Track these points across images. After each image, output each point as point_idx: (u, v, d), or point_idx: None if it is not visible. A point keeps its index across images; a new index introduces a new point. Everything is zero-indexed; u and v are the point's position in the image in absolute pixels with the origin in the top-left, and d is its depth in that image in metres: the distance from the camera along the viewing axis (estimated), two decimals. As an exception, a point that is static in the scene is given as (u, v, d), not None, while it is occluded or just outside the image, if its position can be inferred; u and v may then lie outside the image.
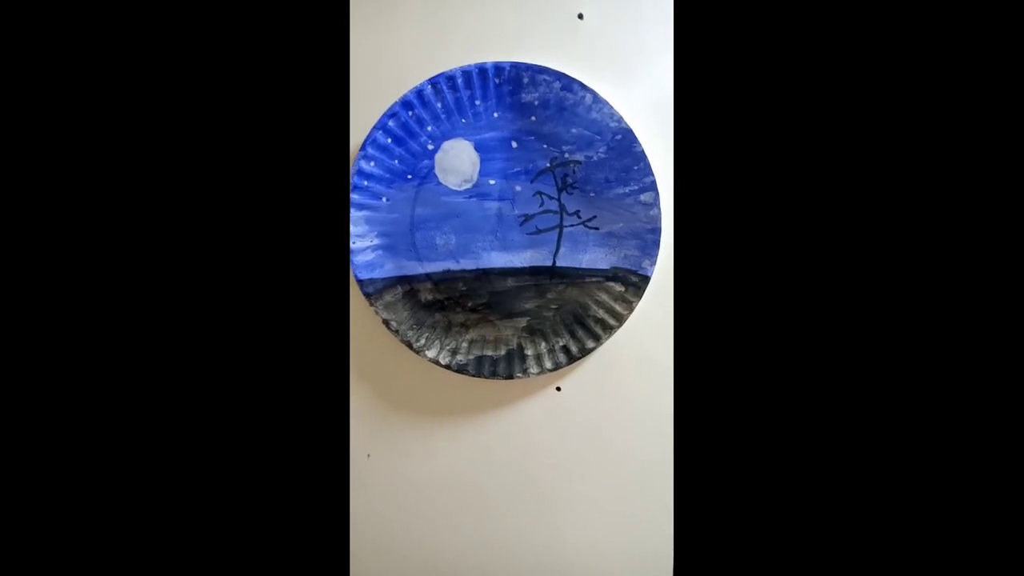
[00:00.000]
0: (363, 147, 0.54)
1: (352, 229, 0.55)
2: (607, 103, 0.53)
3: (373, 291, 0.56)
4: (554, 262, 0.56)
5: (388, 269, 0.56)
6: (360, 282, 0.55)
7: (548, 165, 0.55)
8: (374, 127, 0.54)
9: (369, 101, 0.55)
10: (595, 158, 0.55)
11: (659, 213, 0.54)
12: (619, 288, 0.55)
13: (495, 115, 0.55)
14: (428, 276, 0.57)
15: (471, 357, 0.56)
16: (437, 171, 0.56)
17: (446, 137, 0.55)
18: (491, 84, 0.54)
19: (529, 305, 0.57)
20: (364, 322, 0.58)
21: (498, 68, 0.53)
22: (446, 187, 0.56)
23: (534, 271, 0.56)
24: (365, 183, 0.55)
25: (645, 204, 0.54)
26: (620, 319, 0.55)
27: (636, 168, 0.54)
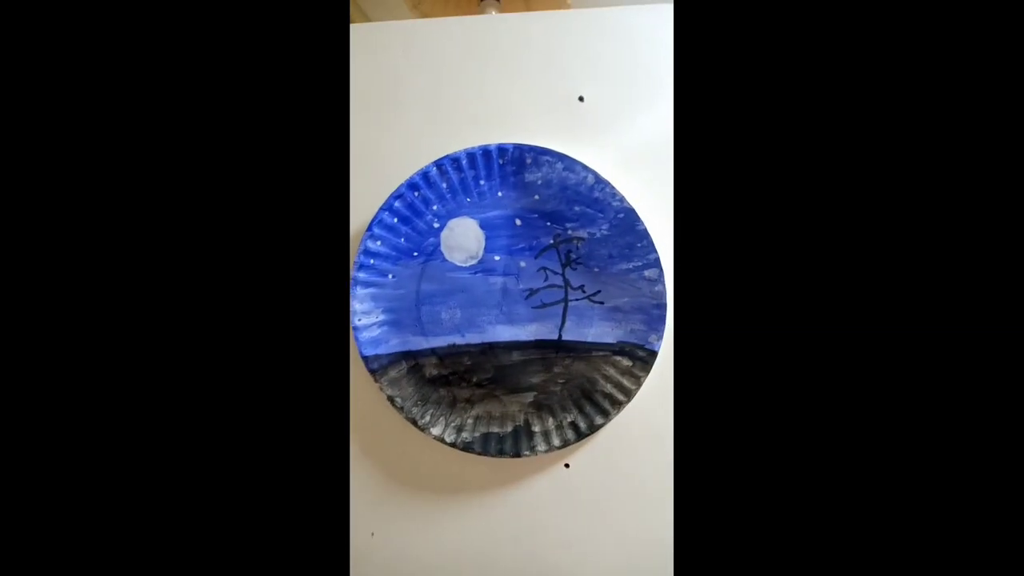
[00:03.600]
0: (369, 227, 0.55)
1: (358, 306, 0.55)
2: (609, 183, 0.54)
3: (378, 367, 0.55)
4: (560, 335, 0.56)
5: (393, 344, 0.56)
6: (365, 359, 0.55)
7: (552, 242, 0.56)
8: (380, 208, 0.55)
9: (376, 184, 0.56)
10: (598, 235, 0.55)
11: (664, 289, 0.54)
12: (626, 362, 0.55)
13: (499, 194, 0.56)
14: (433, 351, 0.56)
15: (477, 435, 0.56)
16: (443, 248, 0.57)
17: (452, 215, 0.56)
18: (495, 164, 0.55)
19: (535, 379, 0.56)
20: (369, 399, 0.57)
21: (501, 149, 0.55)
22: (452, 263, 0.56)
23: (540, 344, 0.56)
24: (371, 261, 0.55)
25: (650, 280, 0.54)
26: (628, 394, 0.54)
27: (640, 245, 0.54)
